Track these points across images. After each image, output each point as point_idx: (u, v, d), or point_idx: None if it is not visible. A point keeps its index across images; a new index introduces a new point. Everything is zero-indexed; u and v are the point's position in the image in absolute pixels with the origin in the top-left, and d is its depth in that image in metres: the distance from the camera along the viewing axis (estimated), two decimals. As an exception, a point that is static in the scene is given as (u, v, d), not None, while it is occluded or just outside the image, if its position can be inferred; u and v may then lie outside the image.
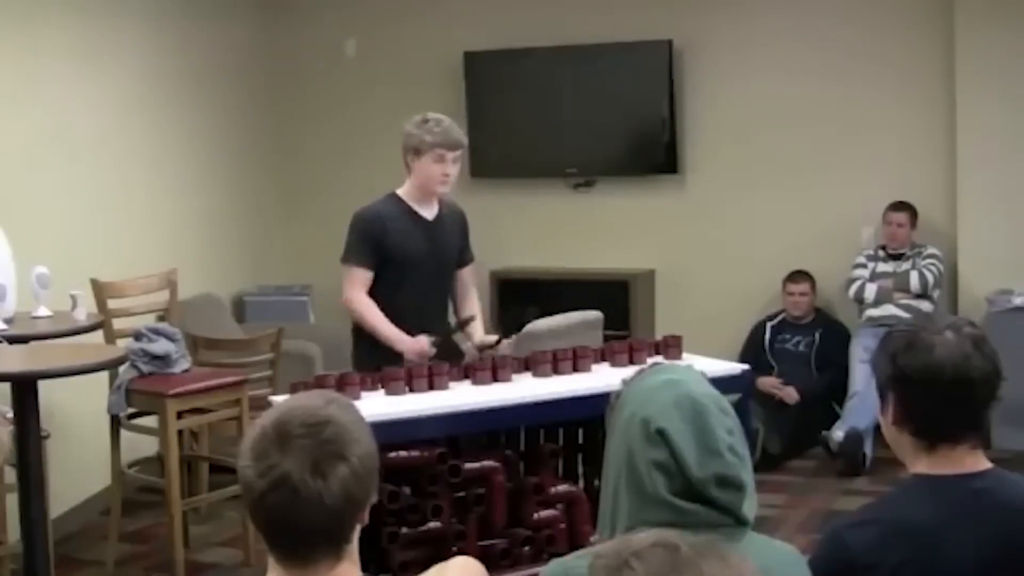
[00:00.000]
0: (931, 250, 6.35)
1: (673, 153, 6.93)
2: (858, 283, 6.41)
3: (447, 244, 4.35)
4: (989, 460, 2.12)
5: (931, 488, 2.06)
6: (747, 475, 1.86)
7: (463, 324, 4.36)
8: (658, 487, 1.81)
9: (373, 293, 4.23)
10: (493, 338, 4.31)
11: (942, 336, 2.06)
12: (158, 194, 6.32)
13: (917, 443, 2.09)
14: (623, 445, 1.88)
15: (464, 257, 4.47)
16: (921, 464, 2.09)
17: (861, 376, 6.01)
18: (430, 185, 4.25)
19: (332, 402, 1.82)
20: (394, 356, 4.06)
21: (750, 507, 1.86)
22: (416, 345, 4.10)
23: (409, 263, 4.24)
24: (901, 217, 6.37)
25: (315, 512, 1.72)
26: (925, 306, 6.24)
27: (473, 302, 4.49)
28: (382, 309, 4.18)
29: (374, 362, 4.01)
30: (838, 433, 5.96)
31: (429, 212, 4.30)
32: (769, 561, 1.73)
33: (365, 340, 4.25)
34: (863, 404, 5.83)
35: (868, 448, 5.88)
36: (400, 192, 4.30)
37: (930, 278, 6.25)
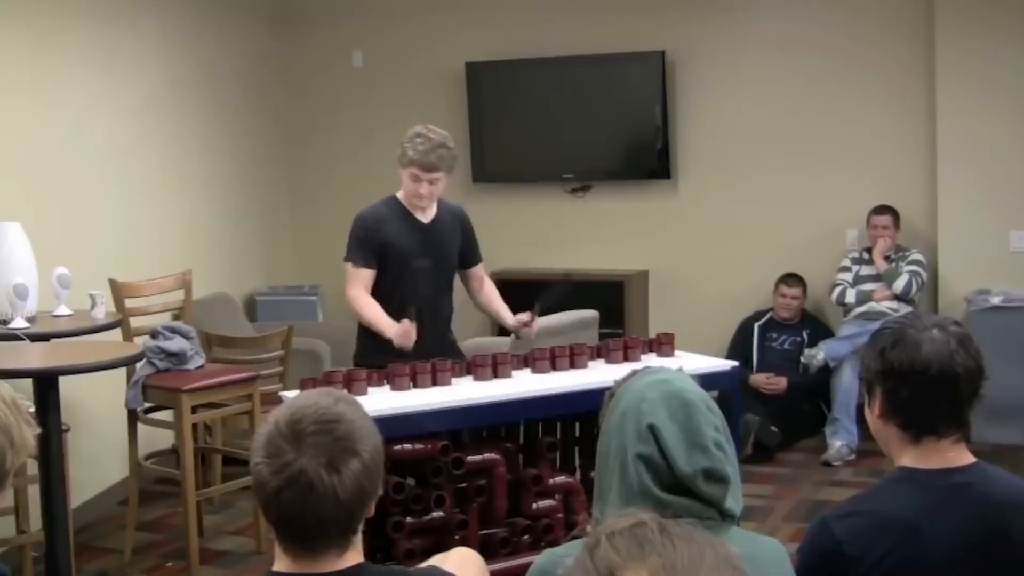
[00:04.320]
0: (916, 255, 6.38)
1: (666, 159, 6.99)
2: (839, 288, 6.48)
3: (444, 245, 4.35)
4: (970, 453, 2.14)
5: (916, 481, 2.08)
6: (731, 469, 1.90)
7: (524, 325, 4.33)
8: (644, 480, 1.85)
9: (377, 290, 4.25)
10: (526, 316, 4.31)
11: (929, 333, 2.08)
12: (173, 198, 6.36)
13: (903, 436, 2.11)
14: (614, 440, 1.92)
15: (470, 257, 4.47)
16: (907, 457, 2.11)
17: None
18: (408, 198, 4.28)
19: (340, 400, 1.84)
20: (391, 350, 4.06)
21: (735, 500, 1.89)
22: (400, 329, 4.07)
23: (406, 261, 4.25)
24: (885, 220, 6.40)
25: (328, 506, 1.74)
26: (905, 308, 6.23)
27: (495, 297, 4.50)
28: (386, 305, 4.18)
29: (376, 357, 4.04)
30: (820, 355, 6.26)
31: (425, 216, 4.32)
32: (752, 554, 1.69)
33: (366, 336, 4.28)
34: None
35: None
36: (399, 195, 4.32)
37: (915, 286, 6.29)
